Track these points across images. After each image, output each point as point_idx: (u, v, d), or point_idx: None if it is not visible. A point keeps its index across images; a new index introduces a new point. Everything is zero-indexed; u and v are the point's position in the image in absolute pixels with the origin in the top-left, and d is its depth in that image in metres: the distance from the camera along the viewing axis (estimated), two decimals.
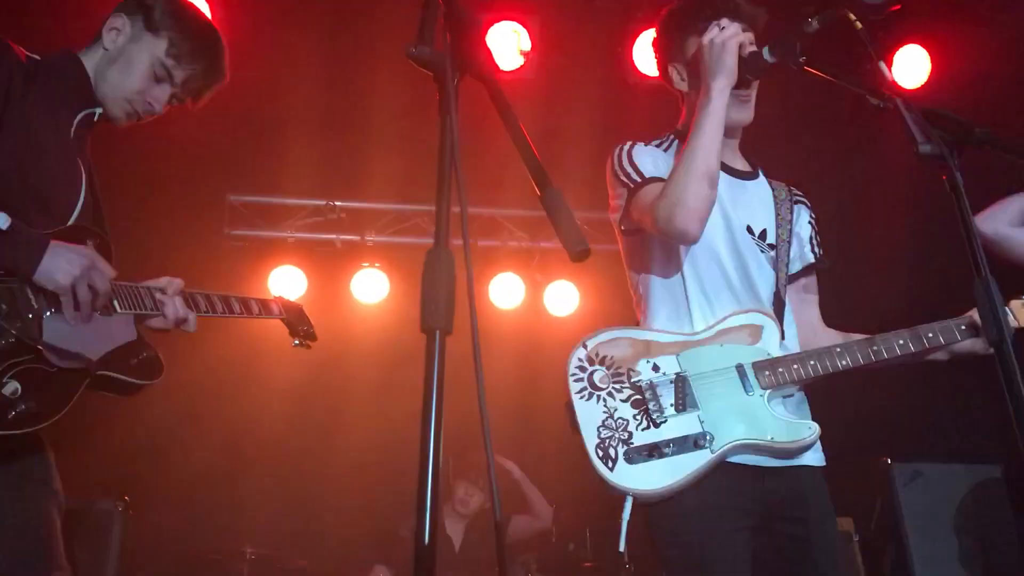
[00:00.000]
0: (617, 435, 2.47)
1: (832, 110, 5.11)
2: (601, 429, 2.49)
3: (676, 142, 2.76)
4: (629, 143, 2.73)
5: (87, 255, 2.27)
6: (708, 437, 2.45)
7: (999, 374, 1.82)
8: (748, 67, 2.53)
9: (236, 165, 5.97)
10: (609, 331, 2.62)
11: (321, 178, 6.14)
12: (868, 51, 2.17)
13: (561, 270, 6.69)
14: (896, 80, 4.03)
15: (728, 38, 2.52)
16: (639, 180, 2.62)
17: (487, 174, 5.18)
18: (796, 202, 2.85)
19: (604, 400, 2.51)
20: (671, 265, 2.66)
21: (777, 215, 2.76)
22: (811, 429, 2.52)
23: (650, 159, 2.67)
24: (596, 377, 2.54)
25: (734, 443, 2.45)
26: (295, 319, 3.43)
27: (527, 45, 4.93)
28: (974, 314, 2.59)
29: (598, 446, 2.46)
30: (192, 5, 2.73)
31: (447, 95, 1.45)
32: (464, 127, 1.57)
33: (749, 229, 2.69)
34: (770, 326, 2.61)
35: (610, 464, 2.44)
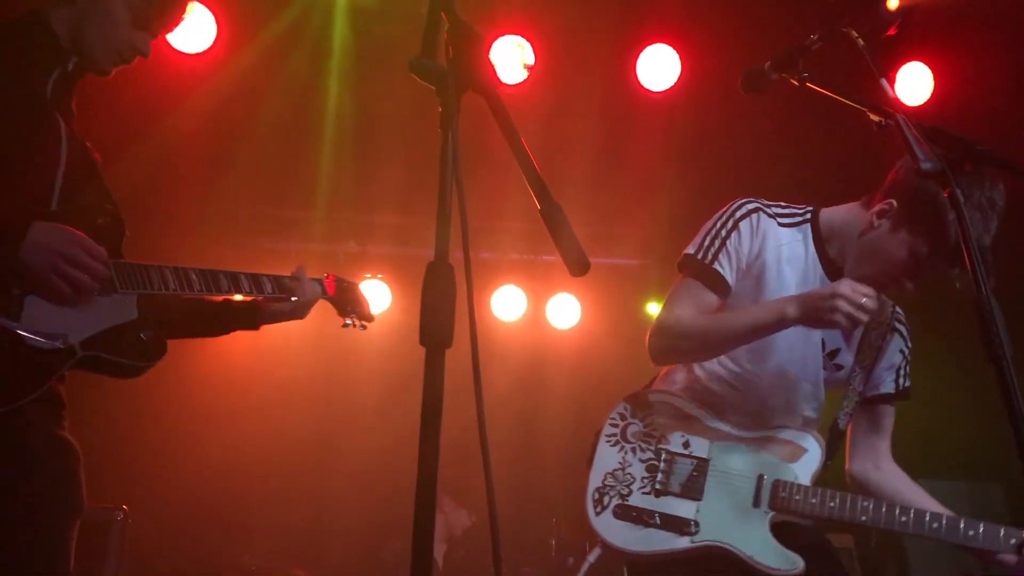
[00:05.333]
0: (618, 488, 2.55)
1: (834, 128, 5.11)
2: (608, 476, 2.57)
3: (807, 228, 2.60)
4: (753, 207, 2.57)
5: (69, 242, 2.18)
6: (695, 526, 2.48)
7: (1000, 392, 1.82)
8: (750, 83, 2.54)
9: (241, 176, 5.99)
10: (663, 393, 2.66)
11: (325, 189, 6.15)
12: (870, 69, 2.17)
13: (563, 283, 6.69)
14: (898, 97, 4.04)
15: (855, 308, 2.26)
16: (696, 261, 2.53)
17: (490, 186, 5.19)
18: (894, 329, 2.71)
19: (625, 453, 2.58)
20: (736, 358, 2.58)
21: (864, 339, 2.64)
22: (794, 565, 2.43)
23: (744, 245, 2.52)
24: (630, 431, 2.62)
25: (715, 544, 2.47)
26: (345, 297, 3.15)
27: (531, 59, 4.95)
28: None
29: (597, 488, 2.55)
30: None
31: (448, 109, 1.46)
32: (468, 139, 1.58)
33: (823, 343, 2.60)
34: (814, 452, 2.57)
35: (598, 510, 2.53)
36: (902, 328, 2.74)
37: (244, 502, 6.11)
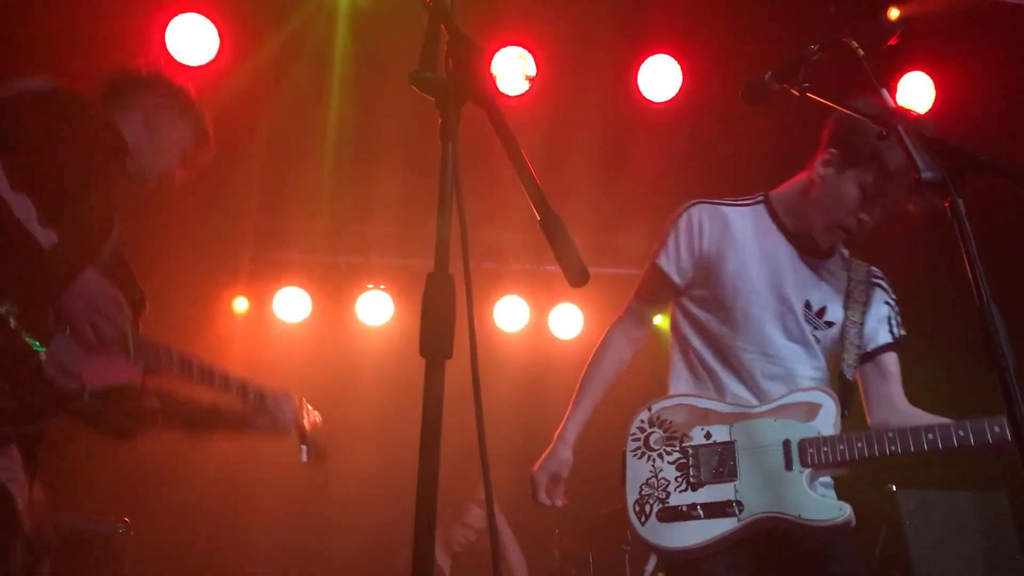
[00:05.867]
0: (656, 494, 2.61)
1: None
2: (643, 487, 2.64)
3: (762, 208, 2.86)
4: (693, 203, 2.88)
5: (108, 297, 2.35)
6: (738, 506, 2.54)
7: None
8: (751, 93, 2.54)
9: (243, 187, 6.00)
10: (674, 397, 2.76)
11: (327, 200, 6.16)
12: (871, 78, 2.18)
13: (565, 293, 6.69)
14: (900, 106, 4.04)
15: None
16: (653, 262, 2.86)
17: (492, 197, 5.20)
18: (873, 284, 2.87)
19: (653, 460, 2.65)
20: (719, 336, 2.75)
21: (848, 295, 2.78)
22: (842, 510, 2.53)
23: (685, 239, 2.81)
24: (652, 439, 2.69)
25: (762, 515, 2.53)
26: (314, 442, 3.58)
27: (532, 70, 4.96)
28: None
29: (636, 501, 2.62)
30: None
31: (448, 121, 1.47)
32: (470, 150, 1.58)
33: (807, 304, 2.75)
34: (828, 405, 2.65)
35: (643, 519, 2.58)
36: (882, 282, 2.90)
37: (246, 514, 6.10)
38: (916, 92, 5.10)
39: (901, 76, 5.06)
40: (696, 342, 2.78)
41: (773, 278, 2.73)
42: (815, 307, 2.75)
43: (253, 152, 5.52)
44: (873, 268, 2.91)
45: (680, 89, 5.09)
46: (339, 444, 6.37)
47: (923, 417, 2.72)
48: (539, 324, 6.76)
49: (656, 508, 2.58)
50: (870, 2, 4.66)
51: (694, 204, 2.85)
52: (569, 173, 5.29)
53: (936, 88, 5.08)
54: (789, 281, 2.74)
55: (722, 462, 2.59)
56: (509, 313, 6.71)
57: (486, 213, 5.90)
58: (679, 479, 2.61)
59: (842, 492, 2.72)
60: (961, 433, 2.55)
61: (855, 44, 2.25)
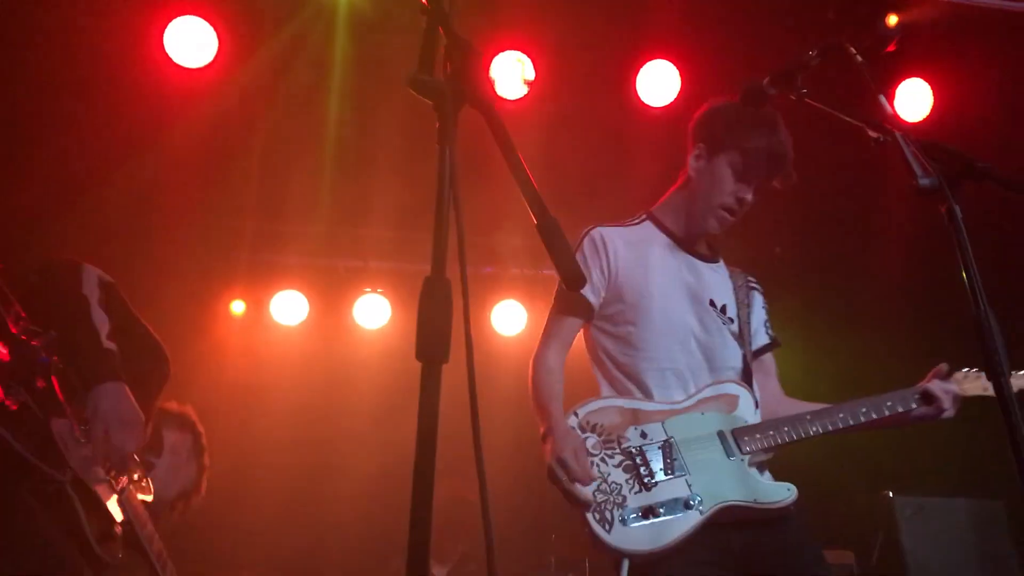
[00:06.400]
0: (612, 499, 2.57)
1: (833, 144, 5.13)
2: (596, 494, 2.59)
3: (648, 224, 3.00)
4: (591, 228, 2.97)
5: (134, 413, 2.43)
6: (697, 499, 2.58)
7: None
8: (749, 99, 2.55)
9: (241, 190, 6.00)
10: (598, 400, 2.78)
11: (325, 203, 6.15)
12: (868, 84, 2.18)
13: None
14: (897, 113, 4.05)
15: (574, 481, 2.57)
16: (559, 292, 2.92)
17: (491, 201, 5.19)
18: (751, 288, 3.06)
19: (597, 466, 2.61)
20: (640, 342, 2.81)
21: (736, 297, 2.96)
22: (789, 491, 2.67)
23: (594, 260, 2.89)
24: (589, 444, 2.65)
25: (722, 505, 2.59)
26: None
27: (531, 75, 4.96)
28: (929, 385, 2.83)
29: (594, 510, 2.55)
30: None
31: (446, 124, 1.47)
32: (470, 154, 1.58)
33: (712, 303, 2.89)
34: (745, 396, 2.80)
35: (607, 527, 2.53)
36: (758, 287, 3.09)
37: (242, 518, 6.08)
38: (914, 99, 5.11)
39: (899, 83, 5.07)
40: (620, 357, 2.83)
41: (679, 281, 2.87)
42: (718, 305, 2.89)
43: (251, 155, 5.52)
44: (748, 275, 3.09)
45: (679, 94, 5.09)
46: (335, 447, 6.39)
47: (805, 405, 2.90)
48: (537, 328, 6.70)
49: (617, 513, 2.55)
50: (869, 8, 4.66)
51: (591, 228, 2.95)
52: (567, 178, 5.29)
53: (934, 95, 5.09)
54: (694, 282, 2.89)
55: (667, 459, 2.63)
56: (507, 317, 6.70)
57: (485, 218, 5.90)
58: (631, 481, 2.59)
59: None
60: (864, 410, 2.76)
61: (853, 50, 2.25)
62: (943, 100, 5.08)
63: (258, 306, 6.48)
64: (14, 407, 2.27)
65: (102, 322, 2.50)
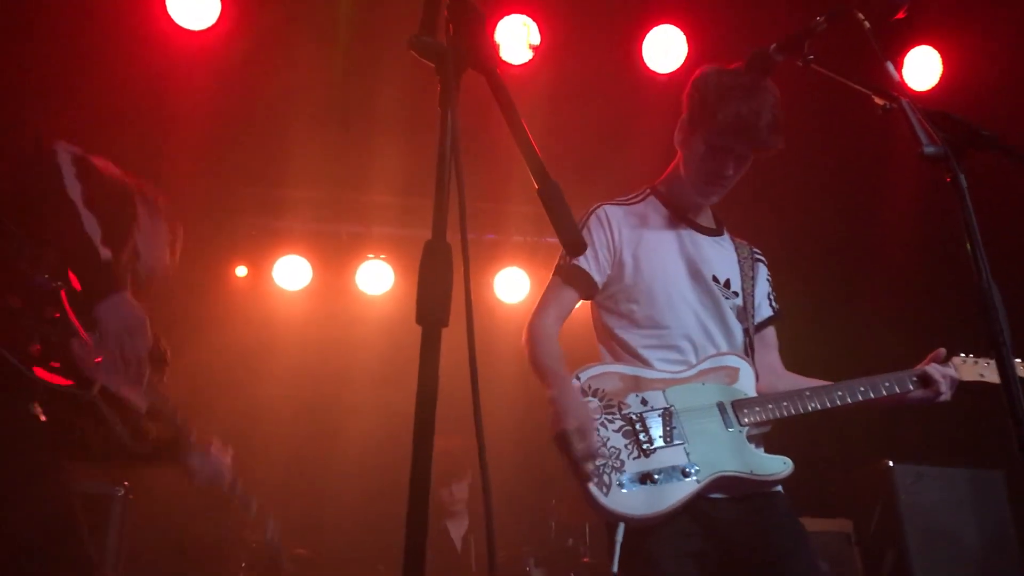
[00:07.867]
0: (610, 463, 2.58)
1: (843, 112, 5.08)
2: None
3: (652, 199, 3.00)
4: (596, 206, 2.96)
5: (139, 320, 2.51)
6: (694, 468, 2.60)
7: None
8: (755, 65, 2.52)
9: (245, 155, 5.97)
10: (601, 365, 2.80)
11: (328, 169, 6.13)
12: (876, 51, 2.16)
13: None
14: (904, 81, 4.00)
15: (585, 448, 2.51)
16: (563, 262, 2.92)
17: (494, 168, 5.17)
18: (756, 260, 3.07)
19: (597, 430, 2.60)
20: (643, 319, 2.83)
21: (741, 270, 2.97)
22: (785, 464, 2.69)
23: (599, 237, 2.89)
24: (590, 408, 2.65)
25: (718, 474, 2.61)
26: None
27: (536, 39, 4.91)
28: (927, 368, 2.84)
29: (593, 472, 2.55)
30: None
31: (448, 87, 1.45)
32: (473, 120, 1.57)
33: (715, 278, 2.90)
34: (746, 369, 2.82)
35: (604, 490, 2.55)
36: (763, 259, 3.11)
37: (246, 478, 6.13)
38: (923, 67, 5.06)
39: (908, 50, 5.02)
40: (623, 334, 2.84)
41: (683, 256, 2.88)
42: (721, 279, 2.90)
43: (253, 119, 5.49)
44: (754, 247, 3.10)
45: (685, 60, 5.05)
46: (337, 413, 6.42)
47: (803, 380, 2.94)
48: (539, 295, 6.74)
49: (615, 477, 2.57)
50: None
51: (598, 206, 2.96)
52: (571, 144, 5.26)
53: (943, 63, 5.04)
54: (697, 257, 2.89)
55: (667, 426, 2.65)
56: (509, 284, 6.70)
57: (487, 184, 5.88)
58: (629, 446, 2.61)
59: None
60: (862, 388, 2.79)
61: (861, 16, 2.23)
62: (952, 68, 5.03)
63: (261, 271, 6.48)
64: (37, 348, 2.38)
65: (93, 228, 2.52)
